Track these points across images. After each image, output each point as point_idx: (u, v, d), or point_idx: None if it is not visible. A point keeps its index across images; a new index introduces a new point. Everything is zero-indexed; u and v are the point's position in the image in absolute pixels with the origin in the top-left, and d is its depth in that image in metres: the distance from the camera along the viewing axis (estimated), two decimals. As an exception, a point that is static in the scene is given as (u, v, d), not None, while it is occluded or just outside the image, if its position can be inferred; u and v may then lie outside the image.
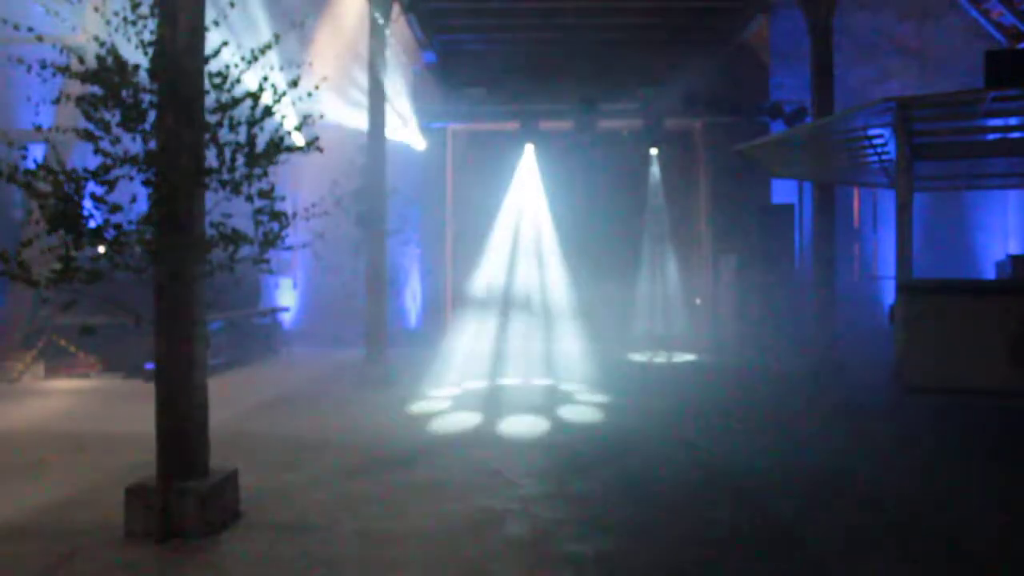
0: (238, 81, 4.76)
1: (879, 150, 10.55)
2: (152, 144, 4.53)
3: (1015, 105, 9.07)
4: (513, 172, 15.21)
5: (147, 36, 4.56)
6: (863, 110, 9.23)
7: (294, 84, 5.08)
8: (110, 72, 4.43)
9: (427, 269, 15.28)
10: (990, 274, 13.64)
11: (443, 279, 15.37)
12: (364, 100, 11.02)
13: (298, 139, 5.12)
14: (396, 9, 11.41)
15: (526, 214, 15.42)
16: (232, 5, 5.02)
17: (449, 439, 7.35)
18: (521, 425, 7.93)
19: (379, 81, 10.77)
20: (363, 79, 11.22)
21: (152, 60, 4.53)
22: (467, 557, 4.34)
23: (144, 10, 4.54)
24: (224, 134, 4.74)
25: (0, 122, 10.93)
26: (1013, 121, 10.03)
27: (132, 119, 4.50)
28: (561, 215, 15.22)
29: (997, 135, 10.56)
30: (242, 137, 4.74)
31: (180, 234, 4.54)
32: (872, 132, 10.06)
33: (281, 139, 4.81)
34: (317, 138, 5.14)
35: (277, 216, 4.89)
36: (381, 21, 10.71)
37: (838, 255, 11.74)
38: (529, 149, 14.91)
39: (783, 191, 14.53)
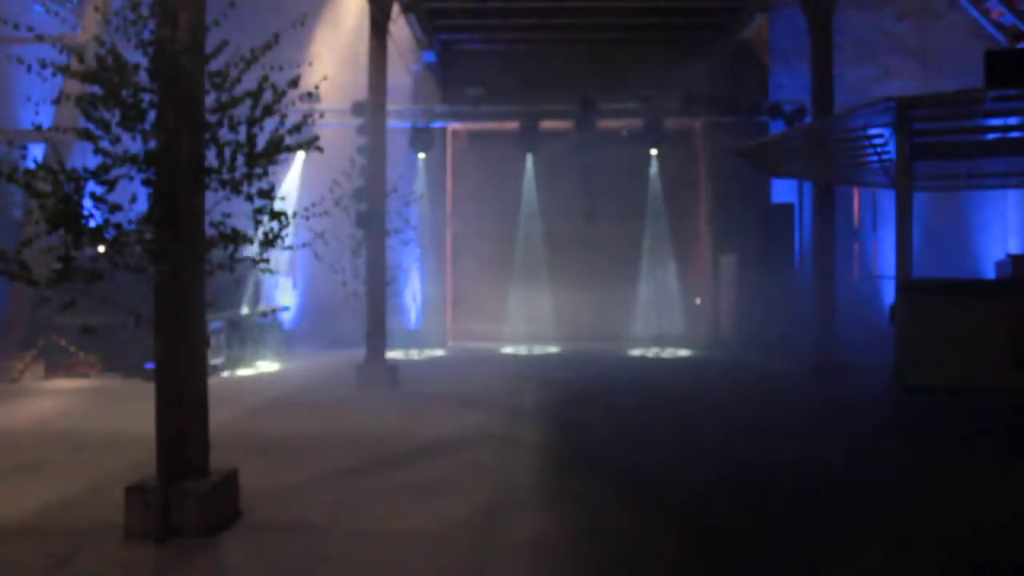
0: (238, 80, 4.75)
1: (879, 150, 10.53)
2: (152, 144, 4.52)
3: (1015, 105, 9.06)
4: (513, 171, 15.21)
5: (147, 36, 4.56)
6: (863, 110, 9.22)
7: (294, 84, 5.07)
8: (110, 72, 4.42)
9: (427, 269, 15.28)
10: (990, 274, 13.60)
11: (443, 279, 15.37)
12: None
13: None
14: (396, 9, 11.40)
15: (526, 213, 15.41)
16: (232, 5, 5.01)
17: (451, 439, 7.34)
18: (522, 424, 7.93)
19: (379, 81, 10.76)
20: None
21: (152, 60, 4.53)
22: (468, 556, 4.34)
23: (144, 10, 4.53)
24: (224, 134, 4.74)
25: (0, 122, 10.92)
26: (1013, 121, 10.00)
27: (132, 119, 4.50)
28: (561, 214, 15.21)
29: (997, 135, 10.53)
30: (242, 137, 4.74)
31: (180, 234, 4.53)
32: (872, 132, 10.04)
33: (281, 138, 4.80)
34: (317, 138, 5.13)
35: (277, 216, 4.88)
36: (381, 21, 10.70)
37: (838, 255, 11.73)
38: (529, 148, 14.89)
39: (783, 191, 14.53)
